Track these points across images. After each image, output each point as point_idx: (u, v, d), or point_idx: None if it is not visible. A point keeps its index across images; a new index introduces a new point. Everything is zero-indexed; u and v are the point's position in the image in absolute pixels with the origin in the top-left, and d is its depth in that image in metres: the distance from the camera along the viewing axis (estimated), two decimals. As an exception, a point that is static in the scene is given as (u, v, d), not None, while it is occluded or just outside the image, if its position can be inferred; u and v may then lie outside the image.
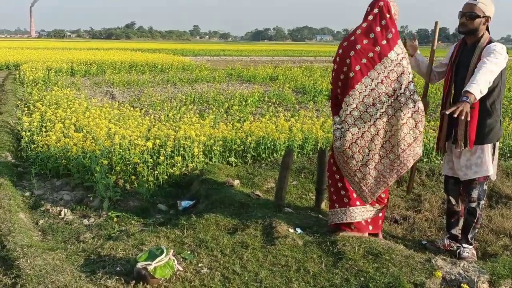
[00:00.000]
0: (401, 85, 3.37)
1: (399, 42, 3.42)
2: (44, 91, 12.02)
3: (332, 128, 3.64)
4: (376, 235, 3.85)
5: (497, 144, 3.67)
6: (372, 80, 3.38)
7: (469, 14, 3.52)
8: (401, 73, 3.38)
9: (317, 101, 13.31)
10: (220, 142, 6.47)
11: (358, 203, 3.69)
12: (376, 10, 3.42)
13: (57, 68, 19.17)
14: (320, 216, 4.50)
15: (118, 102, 10.57)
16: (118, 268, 3.11)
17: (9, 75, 19.19)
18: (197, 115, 8.74)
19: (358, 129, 3.45)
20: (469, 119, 3.27)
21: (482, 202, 3.74)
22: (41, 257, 3.17)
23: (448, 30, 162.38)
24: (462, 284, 2.99)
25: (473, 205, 3.70)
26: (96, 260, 3.26)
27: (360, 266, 3.23)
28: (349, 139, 3.47)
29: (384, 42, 3.38)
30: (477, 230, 3.85)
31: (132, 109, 9.20)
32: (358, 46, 3.40)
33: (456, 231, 3.92)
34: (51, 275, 2.91)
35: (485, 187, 3.74)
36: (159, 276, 2.94)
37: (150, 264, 2.93)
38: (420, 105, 3.42)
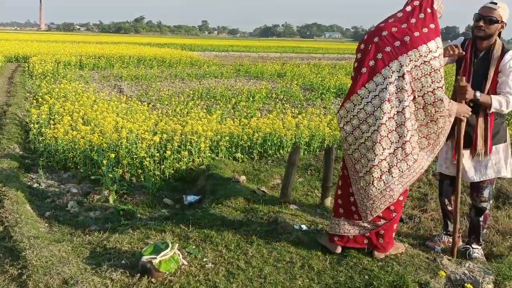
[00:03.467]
0: (422, 87, 2.95)
1: (437, 40, 2.96)
2: (52, 84, 12.08)
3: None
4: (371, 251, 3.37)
5: (507, 144, 3.64)
6: (392, 73, 2.96)
7: (488, 19, 3.36)
8: (427, 74, 2.94)
9: (325, 98, 13.27)
10: (227, 138, 6.48)
11: (356, 216, 3.31)
12: (416, 3, 3.06)
13: (66, 61, 19.29)
14: (326, 213, 4.50)
15: (126, 96, 10.60)
16: (123, 261, 3.13)
17: (18, 67, 19.34)
18: (205, 111, 8.76)
19: (362, 134, 3.06)
20: (488, 126, 3.43)
21: (491, 201, 3.74)
22: (47, 249, 3.19)
23: (458, 29, 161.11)
24: (466, 284, 2.98)
25: (484, 204, 3.65)
26: (102, 252, 3.28)
27: (364, 264, 3.22)
28: (355, 141, 3.12)
29: (417, 34, 2.95)
30: (485, 230, 3.83)
31: (139, 103, 9.24)
32: (385, 33, 3.02)
33: (452, 227, 3.87)
34: (57, 267, 2.94)
35: (493, 187, 3.73)
36: (164, 270, 2.95)
37: (155, 258, 2.94)
38: (443, 116, 3.01)
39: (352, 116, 3.10)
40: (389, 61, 2.98)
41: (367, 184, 3.11)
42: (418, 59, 2.93)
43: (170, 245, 3.08)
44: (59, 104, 8.14)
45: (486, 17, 3.38)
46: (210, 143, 6.30)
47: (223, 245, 3.44)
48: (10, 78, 15.18)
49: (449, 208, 3.88)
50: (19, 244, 3.26)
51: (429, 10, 3.02)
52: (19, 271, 2.92)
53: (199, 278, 2.99)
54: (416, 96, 2.99)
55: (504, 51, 3.42)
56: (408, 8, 3.07)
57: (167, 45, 42.72)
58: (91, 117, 7.16)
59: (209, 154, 6.14)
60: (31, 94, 11.14)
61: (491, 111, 3.42)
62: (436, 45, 2.95)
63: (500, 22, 3.39)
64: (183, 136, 6.31)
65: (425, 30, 2.97)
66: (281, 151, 6.72)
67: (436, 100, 2.98)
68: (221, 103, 11.01)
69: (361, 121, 3.06)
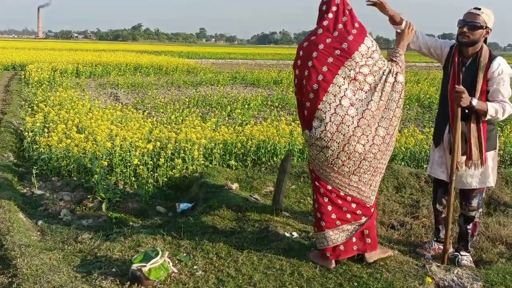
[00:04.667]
0: (375, 77, 3.13)
1: (368, 35, 3.15)
2: (48, 92, 12.11)
3: (307, 144, 3.34)
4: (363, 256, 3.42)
5: (496, 151, 3.67)
6: (343, 79, 3.09)
7: (472, 24, 3.38)
8: (373, 65, 3.12)
9: (320, 105, 13.30)
10: (221, 145, 6.50)
11: (338, 222, 3.32)
12: (334, 8, 3.14)
13: (62, 69, 19.34)
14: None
15: (122, 104, 10.63)
16: (113, 269, 3.14)
17: (15, 75, 19.35)
18: (199, 118, 8.79)
19: (338, 144, 3.12)
20: (482, 135, 3.46)
21: (481, 210, 3.74)
22: (38, 257, 3.21)
23: (454, 36, 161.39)
24: (455, 291, 3.00)
25: (473, 213, 3.66)
26: (93, 260, 3.30)
27: (354, 271, 3.24)
28: (332, 153, 3.16)
29: (351, 37, 3.09)
30: (475, 238, 3.85)
31: (135, 111, 9.27)
32: (321, 46, 3.10)
33: (443, 234, 3.90)
34: (47, 275, 2.95)
35: (484, 195, 3.74)
36: (153, 277, 2.96)
37: (145, 266, 2.96)
38: (399, 79, 3.18)
39: (321, 132, 3.14)
40: (336, 70, 3.09)
41: (359, 176, 3.25)
42: (362, 59, 3.10)
43: (160, 252, 3.10)
44: (54, 112, 8.16)
45: (469, 22, 3.40)
46: (204, 150, 6.32)
47: (214, 253, 3.46)
48: (6, 86, 15.19)
49: (443, 215, 3.89)
50: (10, 253, 3.27)
51: (347, 12, 3.16)
52: (10, 279, 2.94)
53: (189, 285, 3.00)
54: (376, 85, 3.14)
55: (491, 58, 3.43)
56: (330, 15, 3.16)
57: (164, 52, 42.83)
58: (86, 125, 7.18)
59: (203, 162, 6.16)
60: (27, 102, 11.16)
61: (486, 119, 3.42)
62: (370, 40, 3.14)
63: (484, 27, 3.39)
64: (177, 144, 6.34)
65: (354, 31, 3.13)
66: (274, 158, 6.74)
67: (393, 75, 3.16)
68: (216, 110, 11.05)
69: (333, 134, 3.11)
